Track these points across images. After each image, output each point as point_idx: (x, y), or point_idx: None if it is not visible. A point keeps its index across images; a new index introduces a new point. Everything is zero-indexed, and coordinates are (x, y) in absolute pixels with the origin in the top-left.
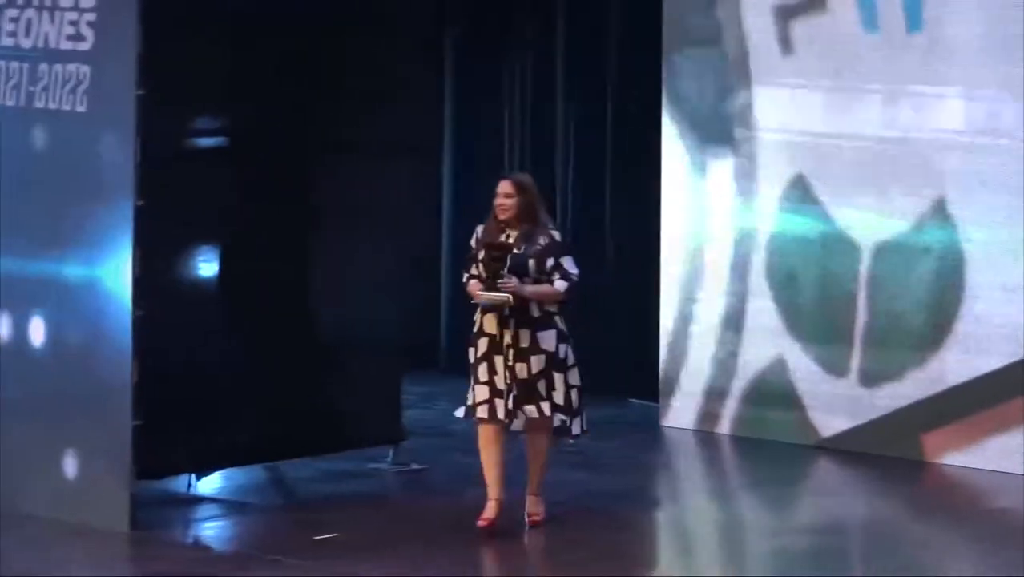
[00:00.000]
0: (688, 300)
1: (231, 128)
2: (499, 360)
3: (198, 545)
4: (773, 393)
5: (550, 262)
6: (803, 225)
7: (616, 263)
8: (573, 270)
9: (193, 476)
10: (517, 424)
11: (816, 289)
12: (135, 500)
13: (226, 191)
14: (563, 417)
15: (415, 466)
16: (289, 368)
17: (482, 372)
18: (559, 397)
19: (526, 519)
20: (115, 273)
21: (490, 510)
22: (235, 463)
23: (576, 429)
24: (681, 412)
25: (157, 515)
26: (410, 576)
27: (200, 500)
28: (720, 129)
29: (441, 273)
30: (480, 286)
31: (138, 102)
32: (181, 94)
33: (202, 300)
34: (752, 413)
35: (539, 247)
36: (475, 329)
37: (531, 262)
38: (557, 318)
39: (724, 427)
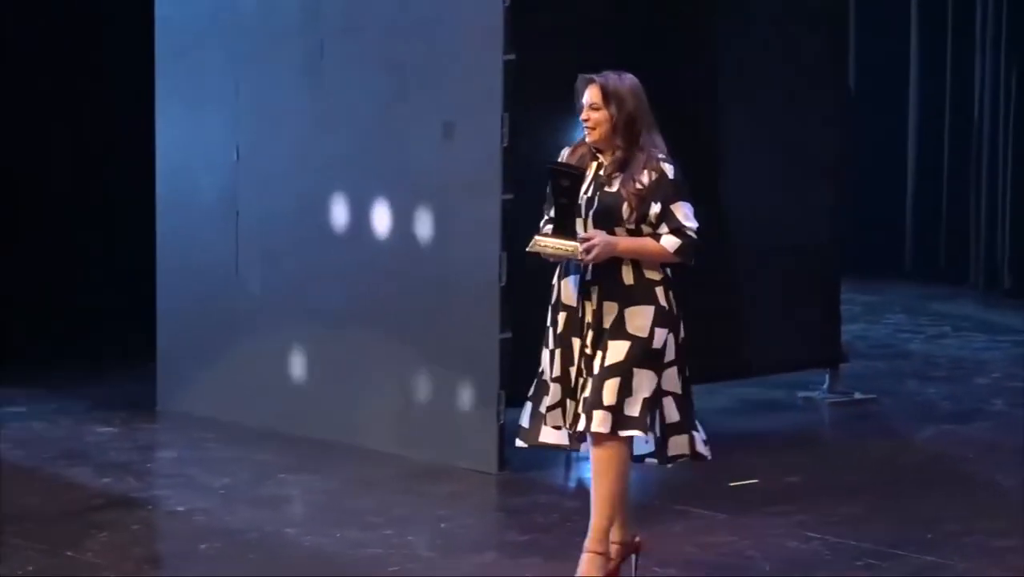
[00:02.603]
0: None
1: None
2: (577, 345)
3: (583, 490)
4: None
5: (655, 208)
6: None
7: None
8: (690, 223)
9: None
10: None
11: None
12: (504, 434)
13: (612, 39)
14: (639, 433)
15: (858, 396)
16: (696, 273)
17: (556, 362)
18: (633, 407)
19: None
20: (473, 144)
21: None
22: None
23: (676, 449)
24: None
25: (532, 454)
26: (876, 547)
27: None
28: None
29: (907, 148)
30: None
31: None
32: None
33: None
34: None
35: (639, 185)
36: (553, 300)
37: (625, 206)
38: (659, 290)
39: None
